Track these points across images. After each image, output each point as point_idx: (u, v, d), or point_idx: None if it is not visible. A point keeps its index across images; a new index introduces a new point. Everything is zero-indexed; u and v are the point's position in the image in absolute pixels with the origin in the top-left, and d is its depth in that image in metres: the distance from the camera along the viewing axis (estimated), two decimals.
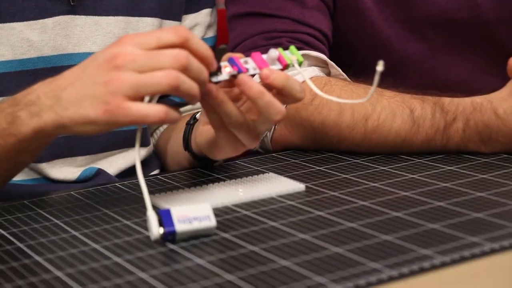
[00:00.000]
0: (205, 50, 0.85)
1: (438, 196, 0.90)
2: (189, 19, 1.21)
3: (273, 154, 1.12)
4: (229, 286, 0.70)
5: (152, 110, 0.82)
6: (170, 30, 0.84)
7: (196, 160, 1.05)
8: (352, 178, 0.99)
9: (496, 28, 1.22)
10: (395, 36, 1.21)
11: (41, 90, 0.85)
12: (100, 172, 1.12)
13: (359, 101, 0.90)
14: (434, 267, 0.72)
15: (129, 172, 1.16)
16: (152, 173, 1.19)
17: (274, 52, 0.88)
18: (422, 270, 0.71)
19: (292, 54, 0.90)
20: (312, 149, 1.11)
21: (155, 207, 0.91)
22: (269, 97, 0.86)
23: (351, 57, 1.22)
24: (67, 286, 0.72)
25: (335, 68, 1.15)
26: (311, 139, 1.11)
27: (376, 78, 0.83)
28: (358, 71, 1.14)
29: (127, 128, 1.14)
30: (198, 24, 1.21)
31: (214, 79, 0.86)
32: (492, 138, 1.03)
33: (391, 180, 0.97)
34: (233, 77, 0.86)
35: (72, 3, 1.09)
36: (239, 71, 0.86)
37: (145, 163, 1.18)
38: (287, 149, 1.13)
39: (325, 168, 1.03)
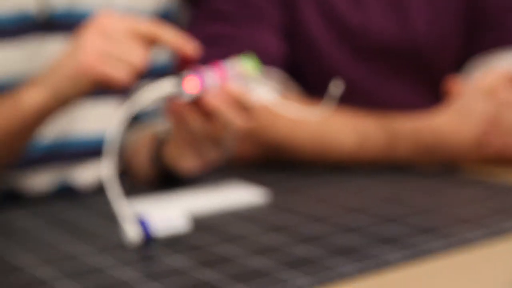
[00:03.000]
0: (175, 39, 0.98)
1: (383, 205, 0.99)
2: None
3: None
4: (201, 283, 0.78)
5: (121, 74, 0.97)
6: (147, 22, 0.99)
7: (165, 175, 1.13)
8: (312, 185, 1.08)
9: (433, 58, 1.32)
10: (341, 63, 1.29)
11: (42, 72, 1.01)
12: (72, 184, 1.19)
13: (312, 116, 0.98)
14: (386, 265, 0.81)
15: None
16: None
17: (234, 62, 0.97)
18: (378, 267, 0.80)
19: (251, 63, 0.98)
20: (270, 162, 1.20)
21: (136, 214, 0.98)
22: (228, 111, 0.96)
23: (301, 81, 1.31)
24: (43, 282, 0.79)
25: (291, 89, 1.24)
26: (270, 155, 1.20)
27: (330, 98, 0.92)
28: (307, 92, 1.24)
29: (99, 140, 1.21)
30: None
31: (181, 98, 0.95)
32: (435, 153, 1.13)
33: (342, 190, 1.06)
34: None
35: (47, 22, 1.15)
36: (203, 85, 0.95)
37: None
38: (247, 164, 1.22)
39: (286, 175, 1.13)
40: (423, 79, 1.34)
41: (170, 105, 0.96)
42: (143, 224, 0.88)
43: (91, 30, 0.99)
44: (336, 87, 0.93)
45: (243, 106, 0.97)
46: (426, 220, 0.92)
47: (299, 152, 1.17)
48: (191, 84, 0.95)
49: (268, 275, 0.78)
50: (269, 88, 1.19)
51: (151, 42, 0.99)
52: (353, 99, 1.31)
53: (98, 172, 1.21)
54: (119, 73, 0.97)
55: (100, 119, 1.21)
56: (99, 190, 1.16)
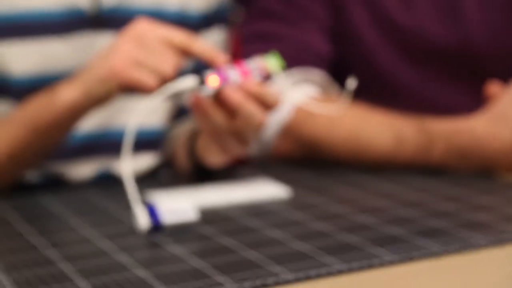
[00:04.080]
0: (207, 51, 1.01)
1: (406, 206, 0.98)
2: (203, 36, 1.30)
3: (270, 163, 1.22)
4: (197, 271, 0.80)
5: (150, 80, 1.00)
6: (181, 33, 1.02)
7: (197, 169, 1.15)
8: (336, 186, 1.08)
9: (488, 62, 1.29)
10: (391, 64, 1.29)
11: (78, 70, 1.05)
12: (113, 174, 1.23)
13: (333, 112, 0.99)
14: (382, 265, 0.80)
15: (143, 175, 1.27)
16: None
17: (257, 60, 0.98)
18: (370, 266, 0.80)
19: (275, 61, 0.99)
20: (307, 159, 1.21)
21: (147, 202, 1.01)
22: (250, 105, 0.96)
23: (346, 80, 1.31)
24: (50, 261, 0.83)
25: (333, 88, 1.24)
26: (306, 153, 1.20)
27: (347, 94, 0.93)
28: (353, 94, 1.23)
29: (142, 134, 1.24)
30: (211, 42, 1.31)
31: (203, 93, 0.96)
32: (470, 157, 1.11)
33: (370, 191, 1.05)
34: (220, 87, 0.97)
35: (97, 21, 1.19)
36: (224, 82, 0.96)
37: (156, 167, 1.29)
38: (283, 159, 1.23)
39: (313, 176, 1.13)
40: (478, 83, 1.32)
41: (192, 99, 0.98)
42: (152, 212, 0.91)
43: (127, 36, 1.03)
44: (351, 83, 0.92)
45: (264, 102, 0.98)
46: (434, 223, 0.91)
47: (334, 150, 1.17)
48: (212, 80, 0.97)
49: (261, 267, 0.80)
50: (294, 87, 1.20)
51: (183, 52, 1.02)
52: (402, 101, 1.30)
53: (139, 162, 1.25)
54: (147, 79, 1.00)
55: (143, 111, 1.24)
56: (138, 180, 1.20)
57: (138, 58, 1.01)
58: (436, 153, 1.12)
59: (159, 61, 1.00)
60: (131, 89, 1.02)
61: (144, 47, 1.01)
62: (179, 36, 1.02)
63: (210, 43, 1.31)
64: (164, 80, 1.00)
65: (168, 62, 1.01)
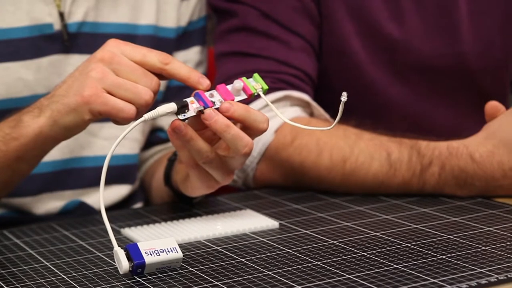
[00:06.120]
0: (185, 72, 0.90)
1: (408, 237, 0.91)
2: (179, 56, 1.23)
3: (254, 192, 1.14)
4: None
5: (127, 106, 0.89)
6: (156, 53, 0.91)
7: (176, 196, 1.07)
8: (326, 217, 1.00)
9: (480, 77, 1.23)
10: (380, 80, 1.23)
11: (43, 97, 0.94)
12: (82, 205, 1.14)
13: (324, 128, 0.91)
14: None
15: (115, 207, 1.18)
16: (135, 206, 1.21)
17: (238, 83, 0.90)
18: None
19: (256, 82, 0.91)
20: (292, 187, 1.13)
21: (128, 241, 0.93)
22: (235, 130, 0.87)
23: (334, 98, 1.24)
24: None
25: (317, 109, 1.17)
26: (291, 179, 1.12)
27: (341, 108, 0.85)
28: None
29: (115, 164, 1.16)
30: (188, 61, 1.23)
31: (181, 116, 0.87)
32: (467, 182, 1.04)
33: (365, 220, 0.98)
34: (200, 112, 0.88)
35: (65, 43, 1.11)
36: (205, 106, 0.88)
37: (130, 198, 1.20)
38: (268, 187, 1.15)
39: (301, 207, 1.05)
40: (470, 101, 1.26)
41: (171, 126, 0.89)
42: (133, 252, 0.83)
43: (97, 60, 0.90)
44: (346, 96, 0.85)
45: (250, 126, 0.90)
46: (441, 257, 0.84)
47: (320, 175, 1.09)
48: (193, 106, 0.88)
49: None
50: (292, 116, 1.12)
51: (160, 75, 0.91)
52: (392, 119, 1.24)
53: (111, 193, 1.17)
54: (123, 107, 0.89)
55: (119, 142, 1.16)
56: (110, 211, 1.12)
57: (112, 83, 0.89)
58: (431, 178, 1.05)
59: (135, 86, 0.89)
60: (105, 116, 0.92)
61: (117, 71, 0.90)
62: (155, 57, 0.91)
63: (188, 61, 1.23)
64: (142, 106, 0.90)
65: (145, 87, 0.90)
